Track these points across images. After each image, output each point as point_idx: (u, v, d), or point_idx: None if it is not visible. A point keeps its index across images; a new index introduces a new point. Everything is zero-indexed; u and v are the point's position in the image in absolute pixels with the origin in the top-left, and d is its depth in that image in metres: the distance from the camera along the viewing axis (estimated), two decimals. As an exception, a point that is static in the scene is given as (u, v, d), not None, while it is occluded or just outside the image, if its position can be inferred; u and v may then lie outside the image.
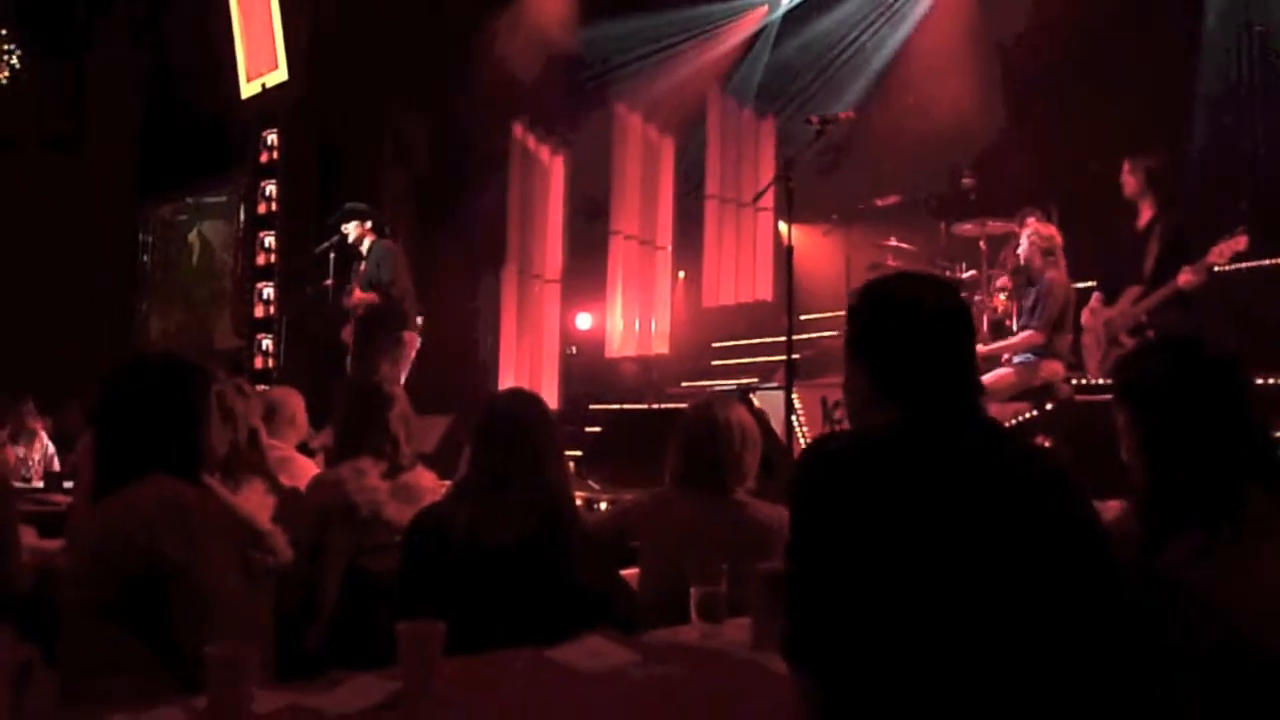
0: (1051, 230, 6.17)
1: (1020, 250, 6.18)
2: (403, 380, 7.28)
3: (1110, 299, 5.91)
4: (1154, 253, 5.69)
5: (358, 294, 7.36)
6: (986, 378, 5.53)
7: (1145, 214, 5.85)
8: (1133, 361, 2.20)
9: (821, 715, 1.62)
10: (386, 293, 7.31)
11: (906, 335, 1.77)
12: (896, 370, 1.76)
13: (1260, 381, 5.26)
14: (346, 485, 3.41)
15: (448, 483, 3.64)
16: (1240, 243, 5.34)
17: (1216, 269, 5.47)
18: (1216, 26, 7.35)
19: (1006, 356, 6.06)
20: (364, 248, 7.60)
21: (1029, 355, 5.95)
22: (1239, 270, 5.95)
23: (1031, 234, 6.11)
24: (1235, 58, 7.18)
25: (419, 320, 7.60)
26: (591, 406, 9.21)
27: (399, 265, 7.46)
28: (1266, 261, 6.23)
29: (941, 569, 1.57)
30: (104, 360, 2.40)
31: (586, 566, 2.66)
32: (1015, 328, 6.21)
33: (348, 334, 7.51)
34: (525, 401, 2.86)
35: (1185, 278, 5.44)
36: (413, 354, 7.51)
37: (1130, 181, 5.88)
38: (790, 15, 10.07)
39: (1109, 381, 4.54)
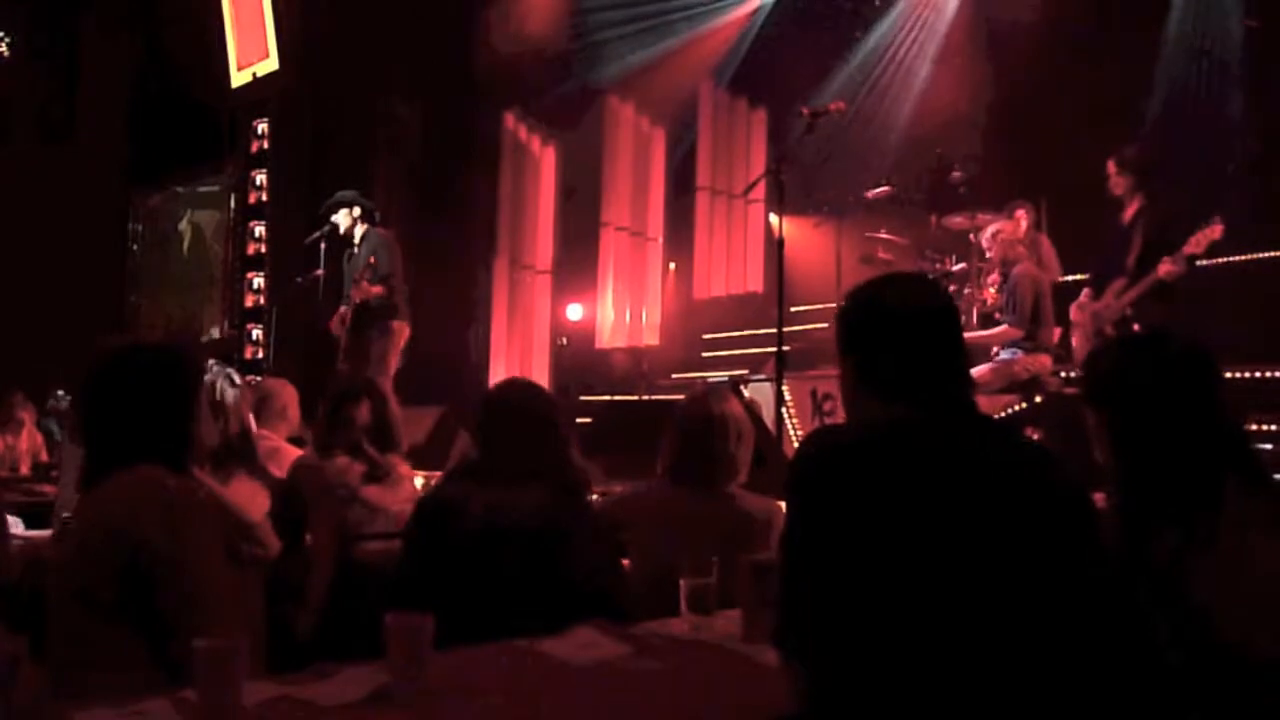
0: (1016, 226, 6.19)
1: (988, 253, 6.23)
2: (393, 370, 7.27)
3: (1098, 293, 5.94)
4: (1138, 245, 5.72)
5: (366, 287, 7.28)
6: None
7: (1131, 207, 5.87)
8: (1098, 360, 2.20)
9: (813, 706, 1.62)
10: (389, 285, 7.27)
11: (892, 335, 1.79)
12: (885, 370, 1.78)
13: (1245, 375, 5.30)
14: (323, 469, 3.47)
15: (422, 472, 3.68)
16: (1216, 231, 5.37)
17: (1197, 261, 5.51)
18: (1185, 18, 7.41)
19: (994, 351, 6.08)
20: (357, 236, 7.56)
21: (1013, 350, 5.97)
22: (1224, 263, 5.98)
23: (996, 231, 6.15)
24: (1210, 47, 7.23)
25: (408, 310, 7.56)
26: (582, 397, 9.22)
27: (395, 254, 7.41)
28: (1250, 255, 6.27)
29: (936, 563, 1.58)
30: (93, 350, 2.37)
31: (597, 551, 2.68)
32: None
33: (335, 325, 7.45)
34: (538, 391, 2.87)
35: (1165, 268, 5.47)
36: (402, 343, 7.47)
37: (1116, 177, 5.90)
38: (781, 6, 10.05)
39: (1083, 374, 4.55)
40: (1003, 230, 6.16)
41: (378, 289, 7.23)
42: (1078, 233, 6.71)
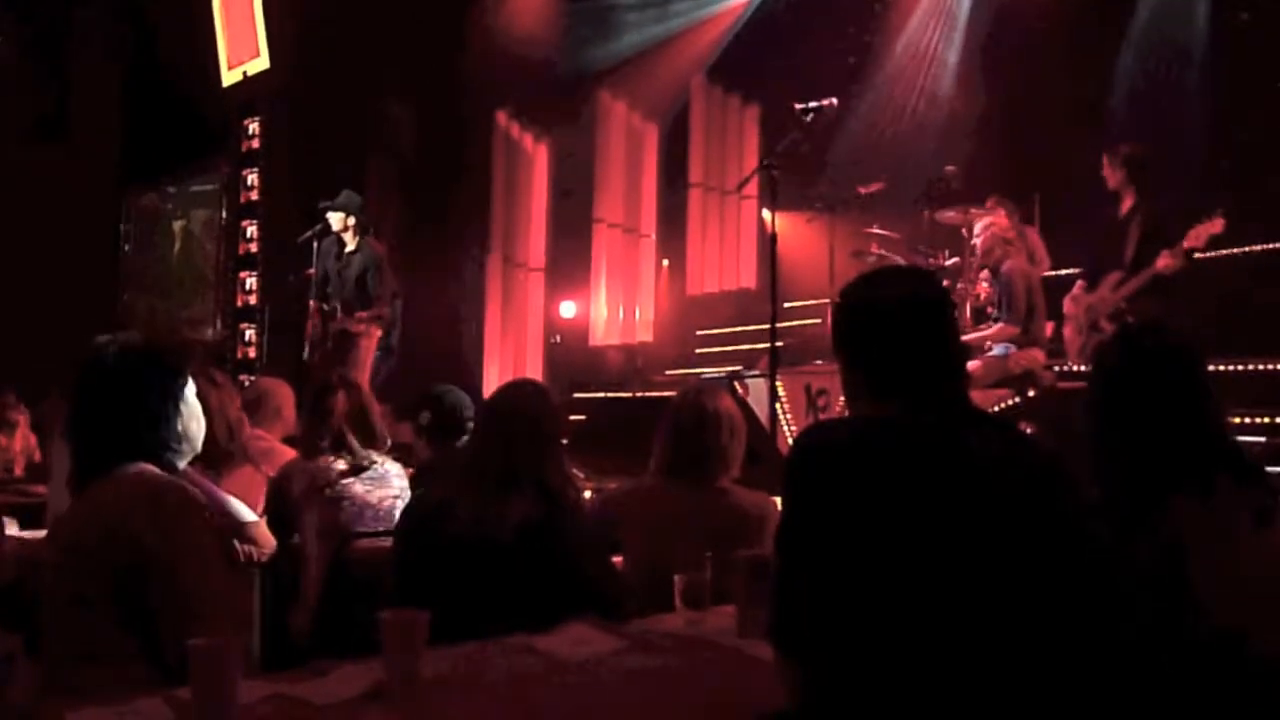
0: (1006, 220, 6.20)
1: (976, 241, 6.22)
2: (369, 368, 7.40)
3: (1092, 286, 5.95)
4: (1134, 239, 5.73)
5: (351, 320, 7.45)
6: None
7: (1127, 202, 5.89)
8: (1097, 353, 2.21)
9: (808, 702, 1.63)
10: (373, 312, 7.41)
11: (881, 331, 1.79)
12: (877, 365, 1.78)
13: (1237, 369, 5.31)
14: (308, 469, 3.50)
15: (412, 470, 3.70)
16: (1217, 225, 5.38)
17: (1195, 254, 5.52)
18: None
19: (988, 345, 6.09)
20: (349, 243, 7.62)
21: (1006, 345, 5.98)
22: (1220, 256, 6.00)
23: (990, 224, 6.15)
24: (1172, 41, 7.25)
25: (395, 308, 7.68)
26: (576, 395, 9.22)
27: (385, 274, 7.55)
28: (1247, 248, 6.28)
29: (931, 557, 1.59)
30: (85, 350, 2.37)
31: (585, 558, 2.66)
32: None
33: (314, 324, 7.61)
34: (530, 393, 2.85)
35: (1164, 262, 5.48)
36: (373, 344, 7.58)
37: (1111, 171, 5.91)
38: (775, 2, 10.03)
39: (1089, 369, 4.56)
40: (995, 223, 6.17)
41: (360, 326, 7.37)
42: (1072, 227, 6.71)
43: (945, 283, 7.07)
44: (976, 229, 6.22)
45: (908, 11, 9.04)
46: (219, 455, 3.32)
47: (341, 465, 3.52)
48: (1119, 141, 6.06)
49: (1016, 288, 5.93)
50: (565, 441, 2.88)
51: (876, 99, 8.97)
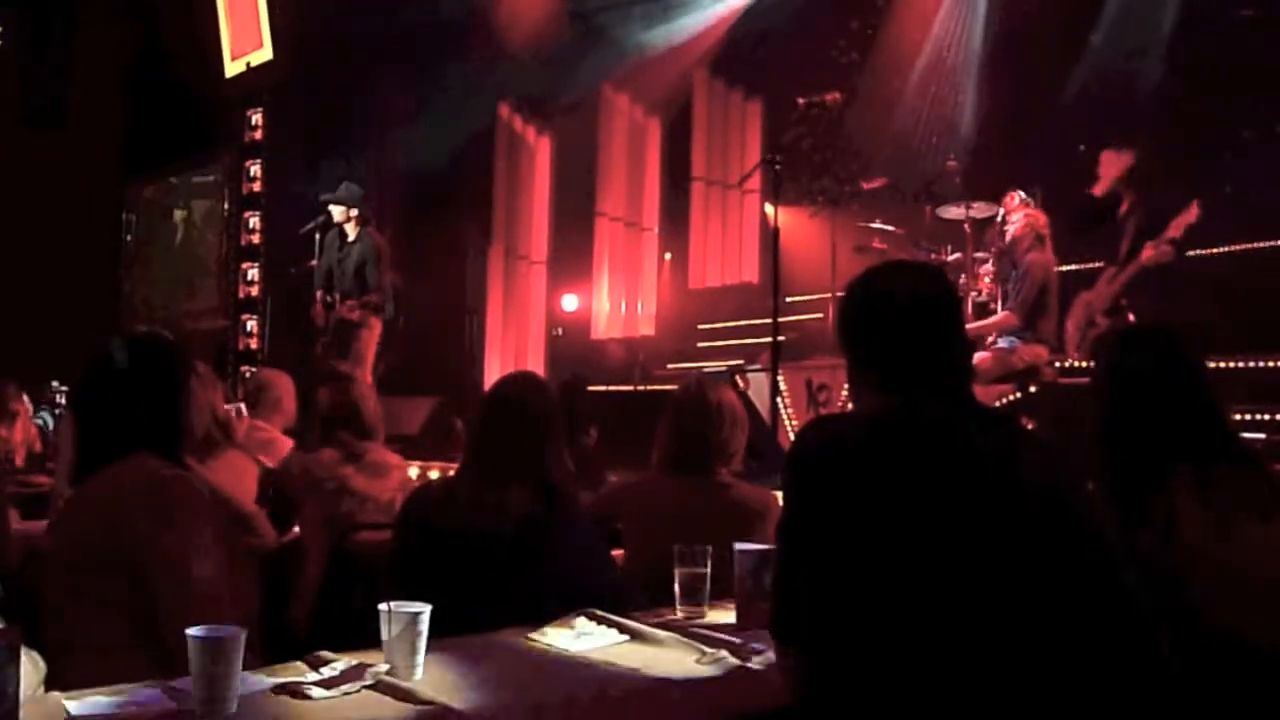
0: (1043, 216, 6.21)
1: (1010, 229, 6.19)
2: (371, 361, 7.42)
3: (1090, 281, 5.97)
4: (1130, 234, 5.77)
5: (346, 310, 7.47)
6: None
7: (1125, 198, 5.90)
8: (1095, 348, 2.23)
9: (808, 694, 1.63)
10: (368, 303, 7.43)
11: (881, 324, 1.79)
12: (876, 358, 1.79)
13: (1239, 365, 5.32)
14: (307, 461, 3.52)
15: (414, 463, 3.72)
16: (1192, 214, 5.43)
17: (1184, 249, 5.56)
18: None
19: (991, 339, 6.09)
20: (350, 233, 7.66)
21: (1011, 339, 5.98)
22: (1218, 253, 6.01)
23: (1029, 215, 6.14)
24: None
25: (389, 306, 7.71)
26: (577, 388, 9.20)
27: (384, 264, 7.57)
28: (1246, 245, 6.29)
29: (932, 552, 1.59)
30: (86, 340, 2.38)
31: (581, 555, 2.66)
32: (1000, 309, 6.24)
33: (318, 315, 7.64)
34: (531, 386, 2.85)
35: (1148, 253, 5.53)
36: (374, 336, 7.61)
37: (1109, 170, 5.93)
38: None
39: (1089, 364, 4.57)
40: (1035, 215, 6.16)
41: (355, 314, 7.37)
42: (1072, 222, 6.70)
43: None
44: (1015, 218, 6.19)
45: (912, 6, 9.02)
46: (205, 443, 3.34)
47: (337, 454, 3.54)
48: (1118, 138, 6.07)
49: (1035, 279, 5.90)
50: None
51: (879, 94, 8.95)
